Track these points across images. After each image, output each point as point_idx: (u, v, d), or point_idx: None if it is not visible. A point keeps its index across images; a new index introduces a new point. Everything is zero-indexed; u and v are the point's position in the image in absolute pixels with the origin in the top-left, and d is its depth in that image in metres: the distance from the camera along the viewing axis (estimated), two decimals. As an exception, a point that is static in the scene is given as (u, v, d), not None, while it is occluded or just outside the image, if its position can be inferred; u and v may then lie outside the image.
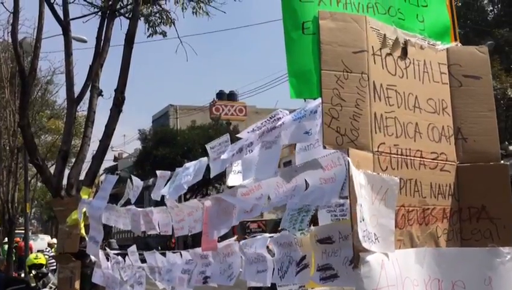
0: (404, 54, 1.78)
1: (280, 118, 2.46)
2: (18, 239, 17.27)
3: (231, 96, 42.32)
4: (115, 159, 48.82)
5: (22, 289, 7.14)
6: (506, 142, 15.21)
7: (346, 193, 2.07)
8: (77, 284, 6.47)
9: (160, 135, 32.46)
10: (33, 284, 7.77)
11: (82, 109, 13.45)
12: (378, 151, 1.65)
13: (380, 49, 1.74)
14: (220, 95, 42.15)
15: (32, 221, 40.91)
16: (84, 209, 5.88)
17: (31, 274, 7.80)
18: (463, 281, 1.66)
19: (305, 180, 2.44)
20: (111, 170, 41.50)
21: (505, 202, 1.79)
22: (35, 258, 8.06)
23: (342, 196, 2.08)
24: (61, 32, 7.09)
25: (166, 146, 29.97)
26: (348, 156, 1.48)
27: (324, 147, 1.55)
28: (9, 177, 14.60)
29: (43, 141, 20.05)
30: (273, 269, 2.53)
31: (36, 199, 27.05)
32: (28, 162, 17.88)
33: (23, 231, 19.36)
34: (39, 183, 26.43)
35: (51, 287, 7.59)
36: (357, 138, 1.58)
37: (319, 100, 2.00)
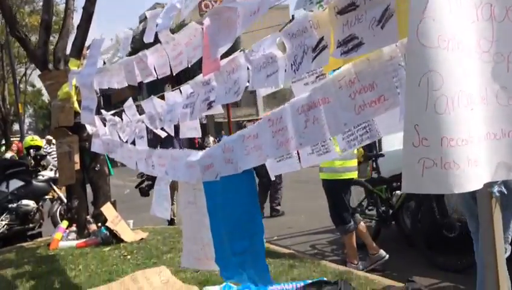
0: None
1: None
2: (16, 141, 17.29)
3: (220, -8, 40.27)
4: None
5: (21, 171, 7.08)
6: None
7: None
8: (77, 158, 6.35)
9: (149, 35, 31.24)
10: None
11: (62, 2, 12.60)
12: None
13: None
14: (208, -9, 40.13)
15: (29, 132, 40.95)
16: (74, 81, 5.57)
17: (29, 157, 7.69)
18: (519, 7, 1.39)
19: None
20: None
21: None
22: (31, 140, 7.90)
23: None
24: None
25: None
26: None
27: None
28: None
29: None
30: (285, 66, 2.26)
31: (28, 104, 26.76)
32: (14, 62, 17.33)
33: (19, 137, 19.30)
34: (29, 88, 26.01)
35: (51, 169, 7.52)
36: None
37: None
